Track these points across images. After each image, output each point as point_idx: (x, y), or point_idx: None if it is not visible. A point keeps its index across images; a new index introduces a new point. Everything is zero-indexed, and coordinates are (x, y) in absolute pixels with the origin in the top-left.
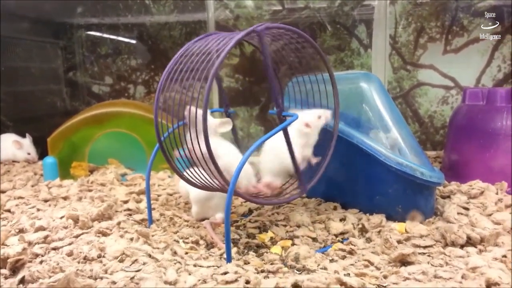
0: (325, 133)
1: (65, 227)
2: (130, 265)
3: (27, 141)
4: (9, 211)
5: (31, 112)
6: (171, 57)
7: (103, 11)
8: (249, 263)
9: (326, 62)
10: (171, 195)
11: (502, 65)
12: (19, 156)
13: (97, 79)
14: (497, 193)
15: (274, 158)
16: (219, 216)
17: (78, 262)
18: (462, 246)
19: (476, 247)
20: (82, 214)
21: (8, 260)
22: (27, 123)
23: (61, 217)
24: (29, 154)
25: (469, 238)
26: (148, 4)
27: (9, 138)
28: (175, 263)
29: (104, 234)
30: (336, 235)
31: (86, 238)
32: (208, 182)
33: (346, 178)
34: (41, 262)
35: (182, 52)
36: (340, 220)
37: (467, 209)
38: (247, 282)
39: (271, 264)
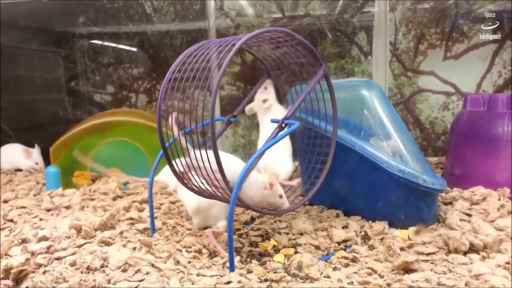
0: (325, 140)
1: (68, 237)
2: (133, 275)
3: (36, 151)
4: (11, 220)
5: (33, 121)
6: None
7: (105, 20)
8: (252, 271)
9: (327, 73)
10: (173, 203)
11: (502, 70)
12: (24, 164)
13: (99, 88)
14: (499, 199)
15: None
16: (221, 225)
17: (81, 272)
18: (465, 253)
19: (479, 254)
20: (85, 223)
21: (12, 271)
22: (29, 132)
23: (64, 227)
24: (37, 163)
25: (472, 245)
26: (149, 13)
27: (15, 148)
28: (178, 273)
29: (107, 244)
30: (338, 243)
31: (89, 248)
32: (212, 191)
33: (348, 186)
34: (44, 272)
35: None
36: (343, 227)
37: (469, 215)
38: None
39: (274, 272)
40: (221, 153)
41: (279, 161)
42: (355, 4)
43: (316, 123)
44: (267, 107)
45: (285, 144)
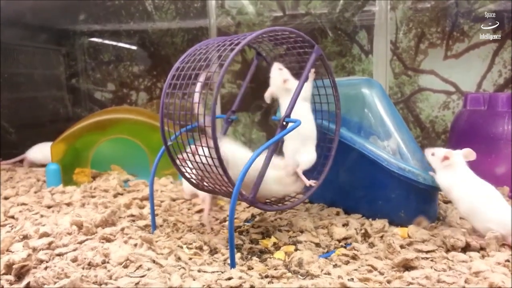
0: (327, 139)
1: (69, 233)
2: (135, 271)
3: None
4: (12, 217)
5: (34, 119)
6: (173, 63)
7: (106, 18)
8: (252, 268)
9: (329, 69)
10: (174, 200)
11: (502, 70)
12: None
13: (100, 85)
14: None
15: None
16: None
17: (83, 268)
18: (464, 251)
19: (478, 252)
20: (86, 220)
21: (13, 266)
22: (29, 130)
23: (65, 223)
24: None
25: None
26: (150, 11)
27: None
28: (179, 269)
29: (108, 240)
30: (339, 240)
31: (90, 244)
32: (217, 186)
33: (349, 184)
34: (46, 268)
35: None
36: (343, 225)
37: None
38: (252, 287)
39: (275, 269)
40: (236, 147)
41: (301, 150)
42: (356, 2)
43: (318, 122)
44: (288, 88)
45: (308, 134)
